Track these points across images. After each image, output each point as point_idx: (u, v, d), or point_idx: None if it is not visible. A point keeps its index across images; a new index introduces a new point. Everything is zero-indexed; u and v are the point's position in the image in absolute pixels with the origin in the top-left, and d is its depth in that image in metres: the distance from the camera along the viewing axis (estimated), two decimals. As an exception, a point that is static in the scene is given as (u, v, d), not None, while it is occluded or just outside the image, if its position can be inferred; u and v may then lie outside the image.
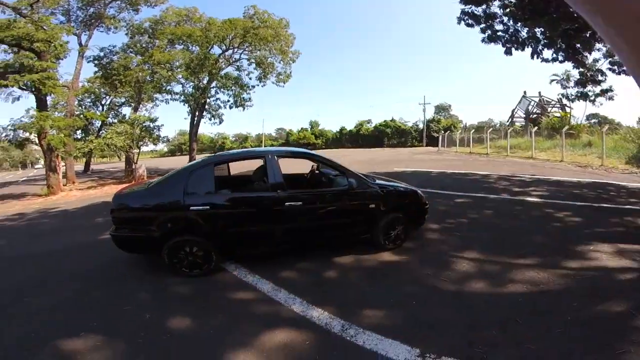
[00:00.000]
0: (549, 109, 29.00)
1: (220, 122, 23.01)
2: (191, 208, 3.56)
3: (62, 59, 15.57)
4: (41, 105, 14.45)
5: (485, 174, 11.18)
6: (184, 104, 21.21)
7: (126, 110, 22.55)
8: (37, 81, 12.93)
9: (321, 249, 4.30)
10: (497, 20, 9.67)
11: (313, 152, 4.67)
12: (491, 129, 24.84)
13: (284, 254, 4.13)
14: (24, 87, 14.08)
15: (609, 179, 9.39)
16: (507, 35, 9.62)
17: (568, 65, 12.05)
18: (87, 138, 17.06)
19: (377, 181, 4.62)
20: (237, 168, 5.39)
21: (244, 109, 22.93)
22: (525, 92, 32.44)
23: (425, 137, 42.29)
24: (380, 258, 4.11)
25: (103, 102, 22.93)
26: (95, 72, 19.29)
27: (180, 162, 17.00)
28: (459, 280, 3.45)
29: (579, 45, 11.46)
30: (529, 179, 9.74)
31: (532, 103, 30.74)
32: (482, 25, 9.69)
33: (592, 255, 3.89)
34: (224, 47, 21.45)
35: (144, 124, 16.83)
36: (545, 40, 10.58)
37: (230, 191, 3.98)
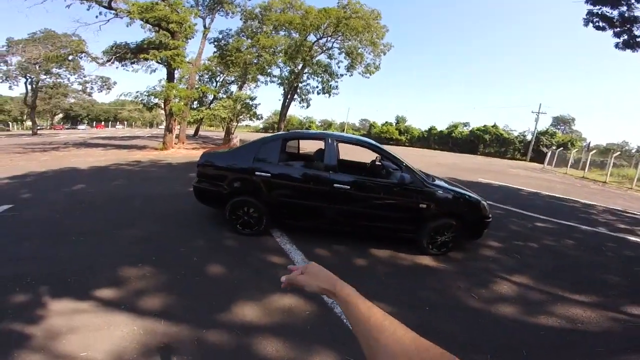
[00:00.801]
0: None
1: (307, 106, 24.19)
2: (256, 173, 4.12)
3: (190, 39, 18.44)
4: (170, 77, 17.38)
5: (589, 204, 9.52)
6: (279, 87, 22.78)
7: (234, 88, 24.89)
8: (170, 57, 15.66)
9: (364, 238, 4.46)
10: (638, 24, 7.86)
11: (375, 143, 4.66)
12: (619, 152, 20.30)
13: (329, 233, 4.39)
14: (160, 62, 17.13)
15: None
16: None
17: None
18: (200, 108, 19.67)
19: (437, 182, 4.48)
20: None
21: (329, 95, 23.58)
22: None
23: (532, 152, 36.73)
24: (417, 260, 4.06)
25: (217, 79, 25.59)
26: (214, 52, 21.76)
27: (270, 137, 18.59)
28: (489, 300, 3.27)
29: None
30: (645, 219, 7.98)
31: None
32: (617, 29, 8.00)
33: None
34: (318, 36, 22.11)
35: (244, 101, 18.78)
36: None
37: (291, 165, 4.37)
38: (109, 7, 14.92)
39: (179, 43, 16.14)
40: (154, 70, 18.96)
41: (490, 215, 4.41)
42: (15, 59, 25.56)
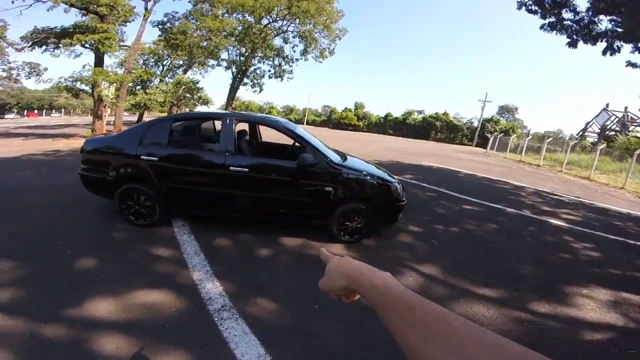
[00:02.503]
0: (632, 128, 24.86)
1: (260, 91, 23.30)
2: (141, 157, 3.70)
3: (129, 22, 17.41)
4: (98, 62, 16.13)
5: (520, 186, 9.81)
6: (225, 70, 21.62)
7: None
8: (97, 41, 14.55)
9: (280, 226, 4.08)
10: (568, 8, 7.95)
11: (282, 122, 4.23)
12: (550, 138, 21.78)
13: (242, 222, 4.07)
14: (87, 46, 15.88)
15: (673, 218, 7.64)
16: (576, 26, 7.89)
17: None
18: (136, 93, 18.43)
19: (348, 163, 4.06)
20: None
21: (282, 80, 22.78)
22: (607, 105, 28.08)
23: (478, 137, 38.84)
24: (328, 249, 3.54)
25: (164, 63, 24.16)
26: (159, 36, 20.62)
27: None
28: None
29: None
30: (568, 201, 8.29)
31: (613, 118, 26.57)
32: (546, 12, 8.05)
33: (576, 301, 3.04)
34: (272, 18, 21.11)
35: (187, 85, 17.76)
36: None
37: (183, 148, 3.93)
38: None
39: (108, 26, 15.00)
40: (79, 55, 17.15)
41: (404, 199, 4.07)
42: None
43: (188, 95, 18.18)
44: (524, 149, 21.14)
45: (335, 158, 4.03)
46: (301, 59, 23.09)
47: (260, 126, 5.30)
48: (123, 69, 17.43)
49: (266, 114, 67.11)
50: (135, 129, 4.02)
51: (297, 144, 4.15)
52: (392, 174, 4.52)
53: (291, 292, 2.77)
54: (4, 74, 26.82)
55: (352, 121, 50.55)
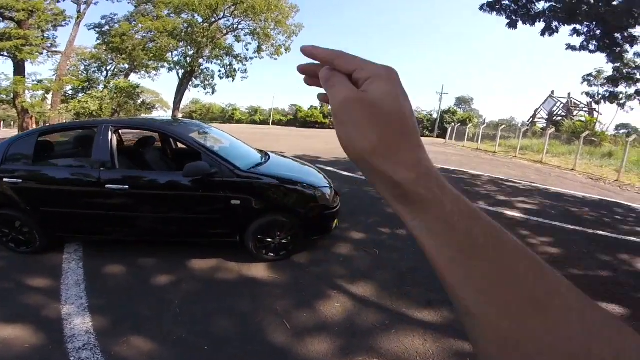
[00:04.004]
0: (576, 113, 26.33)
1: (213, 92, 22.16)
2: (4, 179, 3.14)
3: (60, 26, 16.53)
4: (19, 70, 14.95)
5: (476, 174, 9.57)
6: (169, 72, 20.38)
7: (133, 77, 22.70)
8: (14, 48, 13.53)
9: (195, 245, 3.46)
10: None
11: (165, 124, 3.67)
12: (504, 126, 22.40)
13: (150, 244, 3.48)
14: (4, 54, 14.61)
15: (621, 198, 7.65)
16: (514, 6, 7.72)
17: (600, 59, 10.08)
18: (68, 102, 17.14)
19: (265, 167, 3.41)
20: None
21: (233, 79, 21.90)
22: (552, 92, 29.62)
23: (438, 129, 39.80)
24: (246, 270, 3.05)
25: (108, 68, 22.68)
26: (97, 39, 19.45)
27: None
28: (302, 332, 2.26)
29: (619, 35, 9.40)
30: (523, 187, 8.10)
31: (558, 104, 28.03)
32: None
33: None
34: (218, 17, 19.94)
35: (125, 91, 16.54)
36: (574, 24, 8.63)
37: (51, 165, 3.42)
38: None
39: (26, 32, 13.91)
40: None
41: (335, 206, 3.40)
42: None
43: (130, 100, 16.80)
44: (480, 138, 21.57)
45: (245, 163, 3.32)
46: (255, 57, 22.12)
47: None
48: (55, 76, 15.99)
49: (229, 116, 65.66)
50: None
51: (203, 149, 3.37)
52: (327, 177, 3.87)
53: (179, 328, 2.29)
54: None
55: (319, 119, 50.21)
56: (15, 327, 2.26)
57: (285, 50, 22.05)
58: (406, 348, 2.06)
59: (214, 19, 20.30)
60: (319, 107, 52.82)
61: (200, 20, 19.71)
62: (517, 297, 0.23)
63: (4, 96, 15.07)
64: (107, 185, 3.00)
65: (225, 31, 21.42)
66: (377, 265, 3.19)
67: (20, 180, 3.12)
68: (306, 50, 0.31)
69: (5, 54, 14.46)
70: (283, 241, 3.19)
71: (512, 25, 8.04)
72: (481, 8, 8.31)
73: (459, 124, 29.00)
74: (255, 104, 70.09)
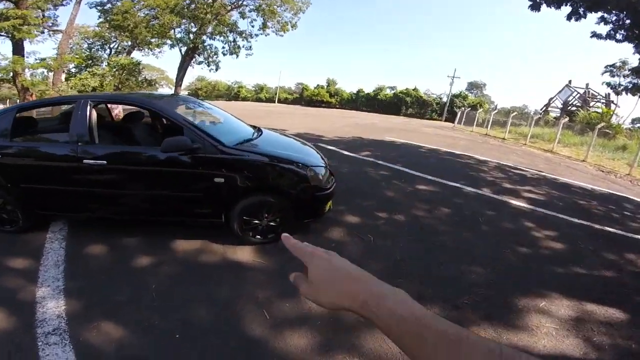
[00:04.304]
0: (592, 104, 25.37)
1: (216, 69, 21.78)
2: None
3: (62, 5, 16.37)
4: (17, 49, 14.87)
5: (483, 160, 9.27)
6: (170, 48, 19.92)
7: (136, 55, 22.17)
8: (12, 27, 13.39)
9: (181, 225, 3.31)
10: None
11: (149, 99, 3.38)
12: (515, 113, 21.67)
13: (137, 223, 3.34)
14: (1, 34, 14.53)
15: (631, 193, 7.35)
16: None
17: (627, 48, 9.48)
18: (69, 79, 16.94)
19: (253, 144, 3.21)
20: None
21: (237, 56, 21.22)
22: (570, 82, 28.49)
23: (447, 112, 38.79)
24: (231, 253, 2.90)
25: (112, 47, 22.30)
26: (98, 18, 18.91)
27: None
28: (280, 324, 2.13)
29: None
30: (531, 175, 7.82)
31: (575, 94, 27.00)
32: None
33: (529, 321, 2.34)
34: None
35: (126, 67, 16.20)
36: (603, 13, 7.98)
37: (30, 141, 3.32)
38: None
39: (23, 12, 13.66)
40: None
41: (329, 187, 3.18)
42: None
43: (132, 77, 16.51)
44: (490, 123, 20.97)
45: (232, 139, 3.10)
46: (261, 34, 21.28)
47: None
48: (57, 54, 15.92)
49: (235, 93, 64.84)
50: None
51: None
52: (324, 156, 3.67)
53: (153, 314, 2.17)
54: None
55: (325, 98, 49.08)
56: None
57: (292, 27, 21.22)
58: (389, 347, 1.91)
59: None
60: (325, 86, 51.64)
61: None
62: None
63: (3, 75, 15.08)
64: (84, 161, 2.86)
65: (229, 7, 20.58)
66: (370, 253, 3.03)
67: (0, 157, 2.99)
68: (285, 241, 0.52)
69: (3, 33, 14.46)
70: (271, 223, 3.02)
71: (536, 7, 7.44)
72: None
73: (469, 109, 28.19)
74: (261, 82, 68.83)
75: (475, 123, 22.59)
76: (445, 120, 36.85)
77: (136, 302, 2.28)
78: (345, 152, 7.79)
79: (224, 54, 21.60)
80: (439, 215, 4.29)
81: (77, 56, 18.77)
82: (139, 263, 2.77)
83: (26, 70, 14.66)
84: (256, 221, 2.98)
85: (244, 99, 64.24)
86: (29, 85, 14.41)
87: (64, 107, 3.84)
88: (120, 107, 6.74)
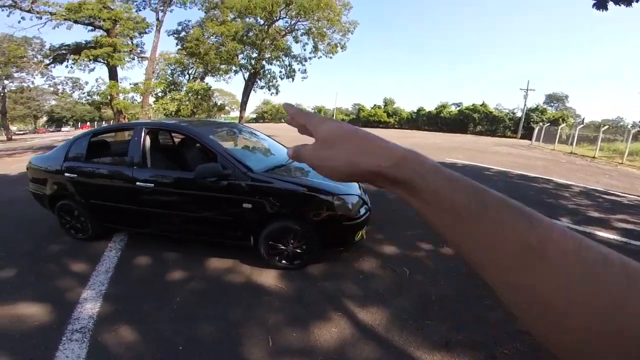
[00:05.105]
0: None
1: (276, 93, 22.61)
2: (65, 174, 3.60)
3: (144, 33, 18.21)
4: (112, 75, 16.78)
5: (565, 184, 7.96)
6: (234, 74, 21.72)
7: (209, 80, 24.56)
8: (104, 55, 15.21)
9: (218, 244, 3.44)
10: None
11: (187, 125, 3.66)
12: (607, 127, 18.51)
13: (184, 240, 3.63)
14: (100, 60, 16.56)
15: None
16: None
17: None
18: (151, 104, 19.03)
19: (279, 173, 3.18)
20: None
21: (292, 80, 22.01)
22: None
23: (522, 129, 35.08)
24: (256, 276, 2.94)
25: (190, 72, 24.67)
26: (176, 45, 21.21)
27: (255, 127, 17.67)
28: (282, 352, 2.04)
29: None
30: (628, 202, 6.45)
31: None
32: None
33: None
34: (275, 18, 20.16)
35: (199, 93, 17.91)
36: None
37: (100, 163, 3.80)
38: (29, 11, 14.06)
39: (114, 40, 15.59)
40: (92, 70, 18.03)
41: (359, 216, 2.99)
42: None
43: (204, 102, 18.26)
44: (576, 140, 18.27)
45: (263, 165, 3.21)
46: (313, 56, 21.91)
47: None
48: (145, 79, 18.01)
49: (293, 116, 68.74)
50: (63, 145, 3.85)
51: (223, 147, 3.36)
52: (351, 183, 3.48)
53: (166, 325, 2.29)
54: (51, 89, 29.00)
55: (382, 118, 48.58)
56: (37, 306, 2.49)
57: (341, 48, 21.41)
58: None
59: (272, 21, 20.75)
60: (382, 106, 51.11)
61: (261, 22, 20.24)
62: (512, 248, 0.25)
63: (102, 99, 17.24)
64: (137, 183, 3.22)
65: (283, 32, 21.65)
66: (400, 288, 2.70)
67: (76, 175, 3.55)
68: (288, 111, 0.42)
69: (101, 60, 16.52)
70: (297, 250, 2.95)
71: (601, 6, 6.31)
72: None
73: (549, 124, 25.09)
74: (319, 104, 71.73)
75: (557, 140, 20.01)
76: (521, 138, 33.41)
77: (157, 313, 2.41)
78: (396, 176, 7.42)
79: (282, 78, 22.56)
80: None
81: (161, 81, 21.33)
82: (172, 277, 2.96)
83: (120, 94, 16.54)
84: (282, 246, 2.95)
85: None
86: (122, 108, 16.24)
87: (123, 132, 4.36)
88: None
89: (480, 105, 40.47)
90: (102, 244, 3.62)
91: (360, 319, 2.30)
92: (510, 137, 36.14)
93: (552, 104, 46.62)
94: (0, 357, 2.01)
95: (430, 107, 47.12)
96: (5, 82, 31.88)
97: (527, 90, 36.66)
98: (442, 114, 43.38)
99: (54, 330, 2.23)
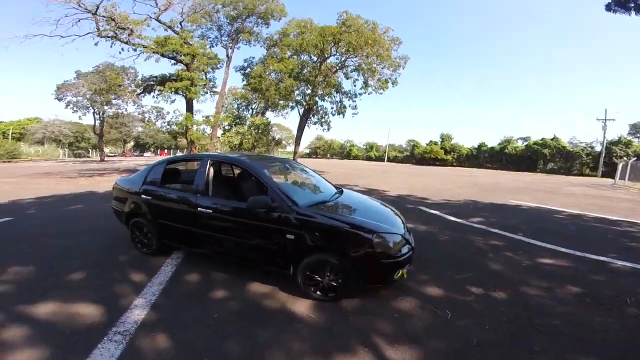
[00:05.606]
0: None
1: (328, 129, 23.29)
2: (142, 196, 4.13)
3: (217, 69, 20.01)
4: (189, 107, 18.42)
5: (655, 230, 6.79)
6: (291, 110, 22.90)
7: (270, 115, 25.94)
8: (184, 88, 16.85)
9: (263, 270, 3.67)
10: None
11: (246, 160, 3.99)
12: None
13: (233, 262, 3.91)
14: (179, 93, 18.44)
15: None
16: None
17: None
18: (218, 137, 20.54)
19: (322, 208, 3.34)
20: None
21: (343, 116, 22.44)
22: None
23: (603, 165, 30.82)
24: (290, 304, 3.02)
25: (253, 107, 26.72)
26: (242, 80, 23.17)
27: (305, 162, 18.33)
28: None
29: None
30: None
31: None
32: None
33: None
34: (326, 55, 21.01)
35: (259, 127, 19.23)
36: None
37: (171, 188, 4.18)
38: (127, 43, 16.09)
39: (192, 74, 17.25)
40: (173, 101, 20.31)
41: (398, 255, 2.98)
42: (84, 90, 28.84)
43: (263, 137, 19.49)
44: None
45: (308, 200, 3.45)
46: (363, 92, 22.26)
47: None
48: (215, 113, 19.64)
49: (347, 152, 68.65)
50: (144, 170, 4.43)
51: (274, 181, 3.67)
52: (406, 222, 3.70)
53: (200, 339, 2.43)
54: (139, 116, 32.96)
55: (439, 155, 46.31)
56: (93, 307, 2.80)
57: (392, 83, 21.27)
58: None
59: (324, 58, 21.61)
60: (439, 142, 49.12)
61: (314, 59, 21.21)
62: None
63: (179, 129, 18.95)
64: (199, 208, 3.60)
65: (335, 69, 22.36)
66: (437, 330, 2.51)
67: (150, 198, 4.06)
68: None
69: (180, 92, 18.13)
70: (333, 283, 2.99)
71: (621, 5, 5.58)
72: (607, 8, 6.13)
73: (635, 159, 21.85)
74: (371, 140, 71.73)
75: (648, 178, 17.25)
76: (602, 176, 29.35)
77: (194, 326, 2.57)
78: (451, 218, 7.00)
79: (333, 114, 23.19)
80: (561, 294, 3.28)
81: (229, 115, 23.07)
82: (215, 295, 3.15)
83: (194, 126, 18.01)
84: (318, 278, 3.02)
85: (355, 157, 67.52)
86: (195, 138, 17.65)
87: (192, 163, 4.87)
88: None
89: (551, 140, 36.76)
90: (161, 259, 4.02)
91: (387, 356, 2.19)
92: (588, 175, 32.01)
93: (638, 135, 40.70)
94: (43, 346, 2.25)
95: (492, 142, 44.22)
96: (105, 107, 36.05)
97: (605, 120, 32.34)
98: (506, 150, 40.28)
99: (99, 330, 2.46)
